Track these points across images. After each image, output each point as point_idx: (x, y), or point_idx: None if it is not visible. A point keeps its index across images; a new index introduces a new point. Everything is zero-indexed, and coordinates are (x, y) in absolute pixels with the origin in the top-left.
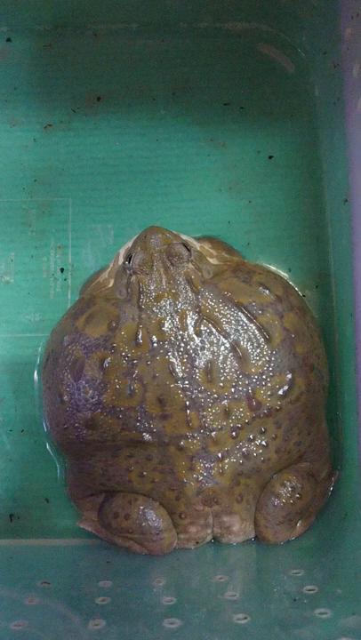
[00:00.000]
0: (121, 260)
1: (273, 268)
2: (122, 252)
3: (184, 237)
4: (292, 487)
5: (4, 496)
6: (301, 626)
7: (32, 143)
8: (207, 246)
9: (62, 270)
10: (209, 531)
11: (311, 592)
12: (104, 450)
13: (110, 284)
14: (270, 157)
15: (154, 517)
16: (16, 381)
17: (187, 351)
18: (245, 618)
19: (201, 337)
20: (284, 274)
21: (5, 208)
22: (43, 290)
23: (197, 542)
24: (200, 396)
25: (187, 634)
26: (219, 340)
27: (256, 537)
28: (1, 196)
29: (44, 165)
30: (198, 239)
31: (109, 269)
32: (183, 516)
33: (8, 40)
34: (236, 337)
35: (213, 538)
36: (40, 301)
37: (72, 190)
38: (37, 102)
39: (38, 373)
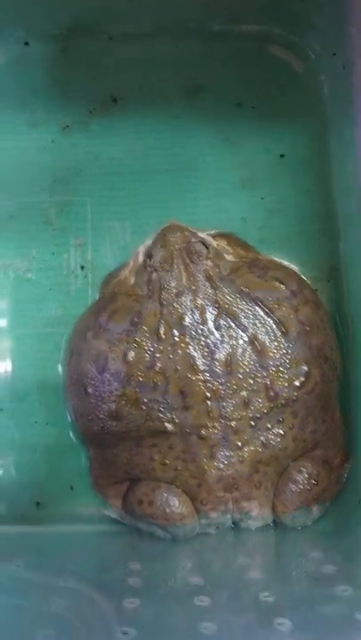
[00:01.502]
0: (141, 258)
1: (286, 262)
2: (141, 249)
3: (201, 234)
4: (308, 474)
5: (31, 485)
6: (324, 602)
7: (50, 144)
8: (223, 243)
9: (82, 267)
10: (229, 516)
11: (330, 572)
12: (128, 440)
13: (131, 282)
14: (282, 156)
15: (177, 504)
16: (39, 375)
17: (207, 345)
18: (270, 596)
19: (220, 331)
20: (296, 268)
21: (26, 207)
22: (63, 286)
23: (218, 527)
24: (220, 387)
25: (217, 610)
26: (237, 333)
27: (274, 522)
28: (21, 195)
29: (63, 166)
30: (214, 235)
31: (130, 267)
32: (205, 503)
33: (25, 44)
34: (253, 330)
35: (233, 523)
36: (61, 297)
37: (90, 189)
38: (55, 104)
39: (62, 367)
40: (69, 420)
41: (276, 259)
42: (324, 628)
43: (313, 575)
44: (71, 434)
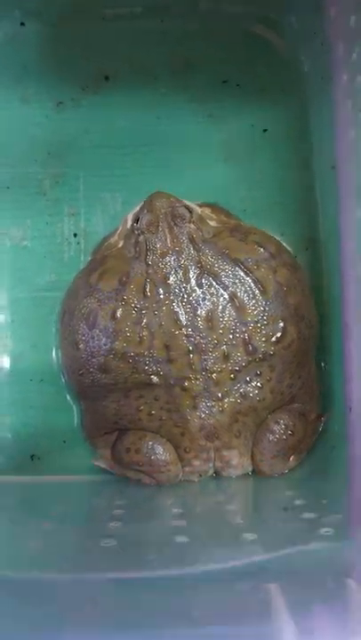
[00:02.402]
0: (129, 223)
1: (267, 232)
2: (129, 216)
3: (186, 202)
4: (285, 425)
5: (26, 439)
6: (291, 523)
7: (45, 119)
8: (207, 211)
9: (75, 235)
10: (211, 464)
11: (300, 503)
12: (116, 392)
13: (120, 245)
14: (265, 130)
15: (161, 451)
16: (34, 336)
17: (189, 302)
18: (242, 520)
19: (202, 289)
20: (277, 237)
21: (21, 179)
22: (57, 253)
23: (200, 475)
24: (202, 341)
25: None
26: (218, 291)
27: (253, 471)
28: (16, 167)
29: (57, 140)
30: (199, 205)
31: (118, 232)
32: (188, 450)
33: (22, 24)
34: (233, 289)
35: (215, 472)
36: (55, 264)
37: (83, 162)
38: (49, 82)
39: (55, 329)
40: (62, 378)
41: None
42: (289, 540)
43: (284, 506)
44: (64, 392)
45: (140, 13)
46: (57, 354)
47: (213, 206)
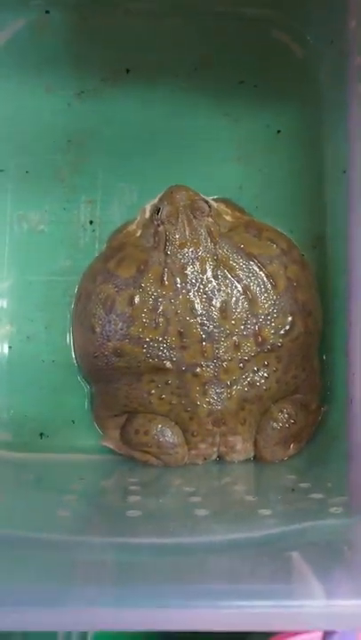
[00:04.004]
0: (148, 214)
1: (278, 228)
2: (148, 207)
3: (204, 197)
4: (288, 414)
5: (36, 417)
6: (302, 502)
7: (66, 107)
8: (222, 206)
9: (91, 222)
10: (215, 449)
11: (305, 485)
12: (129, 375)
13: (138, 234)
14: (279, 131)
15: (170, 434)
16: (47, 318)
17: (205, 292)
18: (253, 497)
19: (217, 280)
20: (286, 234)
21: (41, 165)
22: (73, 239)
23: (205, 458)
24: (215, 330)
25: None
26: (232, 283)
27: (255, 457)
28: (37, 154)
29: (77, 128)
30: (214, 200)
31: (137, 221)
32: (195, 434)
33: (47, 12)
34: (247, 282)
35: (219, 456)
36: (70, 250)
37: (102, 152)
38: (72, 71)
39: (69, 312)
40: (74, 360)
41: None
42: (303, 516)
43: (290, 488)
44: (75, 373)
45: (163, 11)
46: (70, 336)
47: (227, 201)
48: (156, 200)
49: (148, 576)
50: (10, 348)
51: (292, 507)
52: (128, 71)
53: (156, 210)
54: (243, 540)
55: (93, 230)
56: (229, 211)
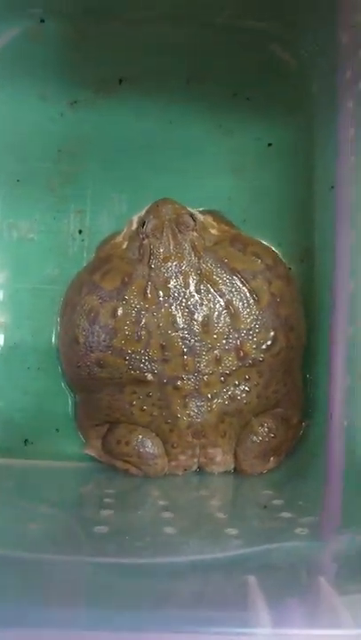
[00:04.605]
0: (135, 226)
1: (265, 242)
2: (135, 218)
3: (190, 210)
4: (268, 428)
5: (20, 423)
6: (269, 522)
7: (59, 117)
8: (209, 219)
9: (80, 232)
10: (195, 460)
11: (278, 503)
12: (111, 386)
13: (124, 246)
14: (270, 144)
15: (150, 445)
16: (34, 326)
17: (187, 306)
18: (224, 514)
19: (200, 295)
20: (273, 248)
21: (32, 174)
22: (62, 248)
23: (185, 469)
24: (196, 344)
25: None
26: (215, 298)
27: (235, 469)
28: (29, 162)
29: (69, 138)
30: (202, 212)
31: (123, 233)
32: (175, 446)
33: (41, 21)
34: (229, 297)
35: (199, 467)
36: (59, 258)
37: (93, 162)
38: (65, 80)
39: (55, 320)
40: (60, 368)
41: (256, 238)
42: (268, 537)
43: (263, 504)
44: (60, 381)
45: (158, 21)
46: (55, 344)
47: (215, 214)
48: (142, 212)
49: (102, 599)
50: None
51: (260, 525)
52: (121, 81)
53: (142, 223)
54: (205, 562)
55: (82, 240)
56: (216, 224)
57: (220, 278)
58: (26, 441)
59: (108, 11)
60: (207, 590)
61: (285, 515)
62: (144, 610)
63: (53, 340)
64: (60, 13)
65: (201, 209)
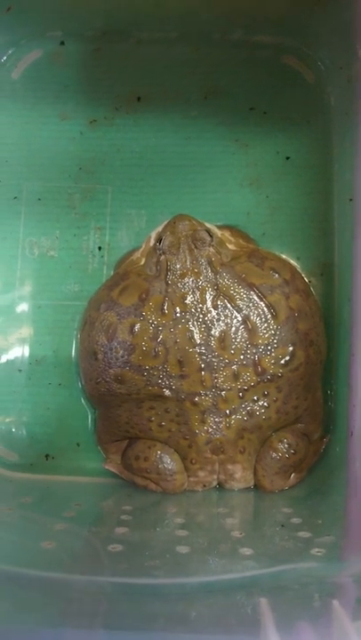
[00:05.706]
0: (152, 242)
1: (284, 255)
2: (153, 235)
3: (207, 225)
4: (288, 444)
5: (42, 438)
6: (286, 542)
7: (79, 136)
8: (227, 234)
9: (100, 249)
10: (215, 476)
11: (297, 521)
12: (130, 402)
13: (142, 262)
14: (288, 158)
15: (169, 461)
16: (56, 342)
17: (204, 322)
18: (241, 534)
19: (217, 310)
20: (293, 261)
21: (53, 192)
22: (82, 264)
23: (204, 485)
24: (214, 360)
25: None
26: (232, 313)
27: (255, 485)
28: (50, 180)
29: (89, 156)
30: (220, 227)
31: (141, 249)
32: (194, 462)
33: (62, 43)
34: (247, 312)
35: (218, 483)
36: (79, 274)
37: (112, 179)
38: (85, 99)
39: (76, 336)
40: (80, 384)
41: (275, 252)
42: (283, 558)
43: (281, 523)
44: (80, 397)
45: (174, 39)
46: (76, 360)
47: (233, 229)
48: (160, 228)
49: (113, 619)
50: (19, 371)
51: (276, 546)
52: (139, 99)
53: (159, 239)
54: (217, 583)
55: (102, 256)
56: (233, 239)
57: (238, 293)
58: (47, 456)
59: (125, 31)
60: (217, 613)
61: (303, 534)
62: (156, 632)
63: (74, 355)
64: (79, 35)
65: (219, 224)
